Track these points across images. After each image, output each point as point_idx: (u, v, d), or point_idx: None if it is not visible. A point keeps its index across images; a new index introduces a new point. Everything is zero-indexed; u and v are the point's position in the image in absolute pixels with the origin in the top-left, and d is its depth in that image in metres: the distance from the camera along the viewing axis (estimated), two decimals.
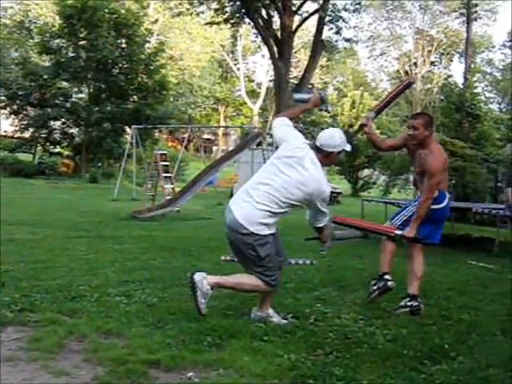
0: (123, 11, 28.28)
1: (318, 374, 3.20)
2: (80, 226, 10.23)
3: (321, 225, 4.32)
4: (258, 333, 3.91)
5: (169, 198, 14.30)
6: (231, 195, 23.80)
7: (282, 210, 4.07)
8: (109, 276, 5.74)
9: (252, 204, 4.01)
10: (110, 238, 8.85)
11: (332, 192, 4.76)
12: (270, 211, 4.00)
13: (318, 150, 4.18)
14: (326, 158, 4.18)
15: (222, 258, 7.16)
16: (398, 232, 4.80)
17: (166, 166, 15.61)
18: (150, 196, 15.23)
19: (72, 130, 30.07)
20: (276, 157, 4.26)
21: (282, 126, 4.37)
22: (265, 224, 4.02)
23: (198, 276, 4.07)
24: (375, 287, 4.99)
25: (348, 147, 4.26)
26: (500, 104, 49.37)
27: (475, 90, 22.16)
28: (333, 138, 4.21)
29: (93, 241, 8.45)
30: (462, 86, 22.56)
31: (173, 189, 15.34)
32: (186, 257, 7.33)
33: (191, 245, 8.48)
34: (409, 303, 4.74)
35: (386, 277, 4.95)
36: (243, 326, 4.04)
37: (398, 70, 48.60)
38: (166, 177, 15.28)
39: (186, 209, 14.29)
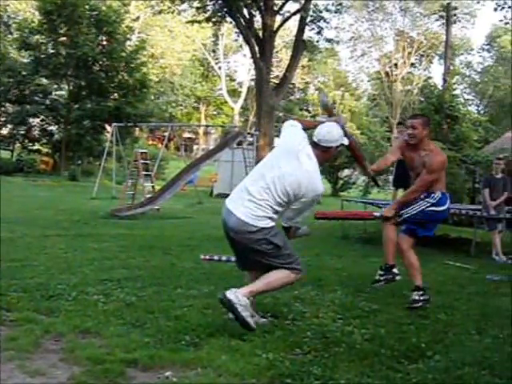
0: (104, 8, 28.05)
1: (295, 373, 3.21)
2: (59, 225, 10.14)
3: (293, 225, 4.24)
4: (236, 332, 3.91)
5: (149, 196, 14.23)
6: (211, 194, 23.81)
7: (280, 208, 3.99)
8: (87, 275, 5.69)
9: (252, 200, 3.93)
10: (89, 237, 8.79)
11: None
12: (270, 206, 3.92)
13: (315, 145, 4.08)
14: (323, 153, 4.08)
15: (202, 256, 7.17)
16: (377, 214, 5.11)
17: (146, 164, 15.54)
18: (130, 194, 15.14)
19: (51, 128, 29.77)
20: (272, 153, 4.25)
21: (289, 127, 4.30)
22: (269, 218, 3.95)
23: (230, 294, 3.87)
24: (382, 278, 5.20)
25: (346, 141, 4.18)
26: (478, 106, 49.94)
27: (454, 92, 22.35)
28: (331, 132, 4.10)
29: (71, 239, 8.38)
30: (441, 88, 22.76)
31: (153, 187, 15.28)
32: (166, 255, 7.31)
33: (171, 243, 8.46)
34: (422, 297, 4.98)
35: (395, 270, 5.19)
36: (222, 325, 4.04)
37: (378, 71, 48.89)
38: (146, 175, 15.20)
39: (165, 207, 14.24)
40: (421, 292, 5.03)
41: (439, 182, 5.15)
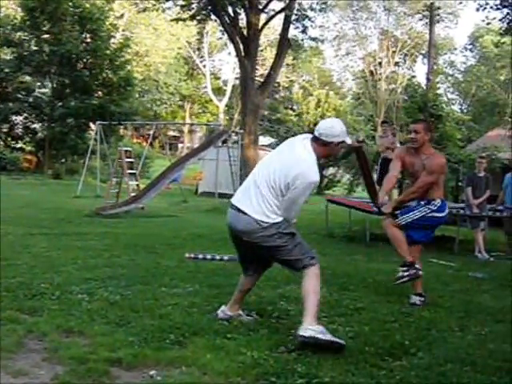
0: (88, 5, 27.80)
1: (280, 372, 3.22)
2: (42, 223, 10.07)
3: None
4: (221, 330, 3.92)
5: (133, 195, 14.18)
6: (196, 192, 23.76)
7: (282, 202, 3.87)
8: (71, 273, 5.67)
9: (259, 197, 3.88)
10: (73, 235, 8.75)
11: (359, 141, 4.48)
12: (274, 200, 3.86)
13: (316, 139, 3.95)
14: (323, 147, 3.94)
15: (187, 255, 7.17)
16: (375, 209, 5.29)
17: (131, 162, 15.48)
18: (115, 193, 15.07)
19: (35, 125, 29.45)
20: (274, 149, 4.28)
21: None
22: (276, 213, 3.87)
23: (304, 331, 3.62)
24: (406, 273, 5.25)
25: (348, 140, 4.06)
26: (461, 105, 50.33)
27: (438, 91, 22.59)
28: (333, 127, 3.97)
29: (55, 238, 8.34)
30: (425, 87, 22.94)
31: (137, 186, 15.23)
32: (150, 254, 7.29)
33: (155, 242, 8.44)
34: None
35: (417, 266, 5.28)
36: (206, 324, 4.04)
37: (363, 70, 49.02)
38: (130, 173, 15.15)
39: (150, 206, 14.18)
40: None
41: (438, 189, 5.34)
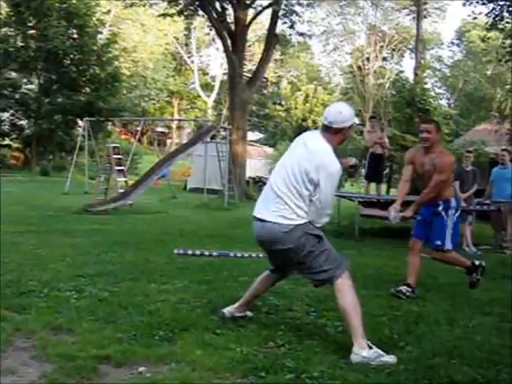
0: (74, 0, 27.63)
1: (269, 367, 3.22)
2: (30, 220, 10.01)
3: (320, 224, 3.84)
4: (210, 326, 3.91)
5: (122, 191, 14.13)
6: (185, 188, 23.73)
7: (303, 203, 3.72)
8: (59, 271, 5.64)
9: (278, 201, 3.72)
10: (62, 232, 8.71)
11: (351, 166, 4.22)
12: (295, 203, 3.70)
13: (327, 129, 3.80)
14: (336, 135, 3.80)
15: (175, 251, 7.16)
16: (395, 215, 5.45)
17: (119, 159, 15.42)
18: (103, 189, 15.01)
19: (21, 122, 29.29)
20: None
21: None
22: (298, 215, 3.70)
23: (356, 357, 3.44)
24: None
25: (356, 120, 3.97)
26: (449, 100, 50.58)
27: (425, 86, 22.63)
28: (342, 112, 3.81)
29: (43, 235, 8.29)
30: (412, 82, 23.01)
31: (126, 182, 15.17)
32: (139, 251, 7.27)
33: (144, 238, 8.43)
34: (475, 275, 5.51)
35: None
36: (196, 320, 4.04)
37: (351, 65, 49.12)
38: (118, 170, 15.09)
39: (139, 202, 14.14)
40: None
41: (449, 187, 5.51)
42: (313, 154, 3.72)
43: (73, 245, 7.47)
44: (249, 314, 4.19)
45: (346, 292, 3.66)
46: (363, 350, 3.45)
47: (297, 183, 3.70)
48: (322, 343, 3.72)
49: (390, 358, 3.45)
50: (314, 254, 3.72)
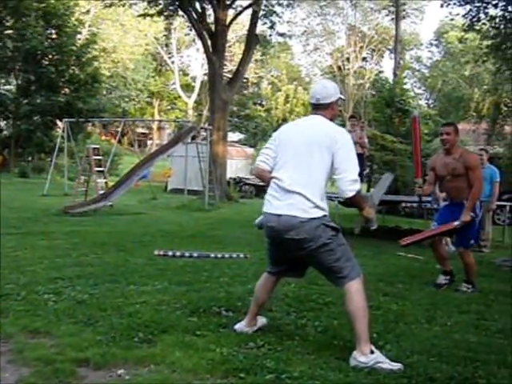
0: (52, 0, 27.37)
1: (249, 367, 3.22)
2: (9, 223, 9.87)
3: (353, 193, 3.56)
4: (190, 328, 3.91)
5: (102, 192, 14.04)
6: (165, 189, 23.62)
7: (323, 182, 3.61)
8: (38, 273, 5.59)
9: (295, 195, 3.58)
10: (40, 235, 8.62)
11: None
12: (313, 194, 3.57)
13: (317, 107, 3.79)
14: (327, 110, 3.77)
15: (156, 252, 7.13)
16: (457, 222, 5.61)
17: (99, 160, 15.32)
18: (83, 191, 14.90)
19: None
20: None
21: None
22: (317, 207, 3.58)
23: (356, 361, 3.40)
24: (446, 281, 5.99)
25: (342, 96, 4.00)
26: (428, 100, 50.98)
27: (404, 86, 22.81)
28: (326, 87, 3.82)
29: (22, 237, 8.20)
30: (392, 82, 23.18)
31: (106, 183, 15.08)
32: (119, 252, 7.24)
33: (124, 240, 8.38)
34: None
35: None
36: (175, 321, 4.03)
37: (331, 65, 49.32)
38: (98, 171, 15.00)
39: (119, 203, 14.05)
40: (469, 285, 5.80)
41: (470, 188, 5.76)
42: (320, 130, 3.66)
43: (52, 247, 7.40)
44: (260, 321, 4.03)
45: (355, 295, 3.57)
46: (362, 356, 3.41)
47: (316, 169, 3.59)
48: (302, 343, 3.73)
49: (392, 366, 3.36)
50: (329, 247, 3.58)
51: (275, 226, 3.63)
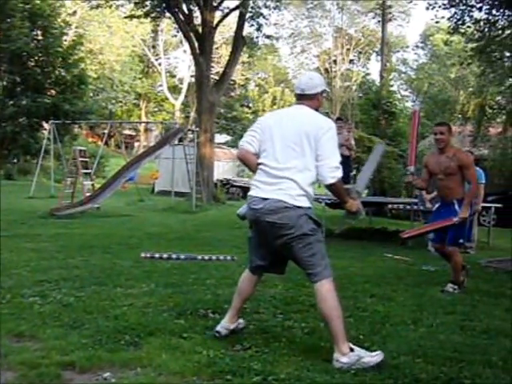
0: (38, 1, 27.19)
1: (236, 370, 3.21)
2: None
3: (335, 179, 3.57)
4: (176, 330, 3.89)
5: (88, 194, 13.98)
6: (153, 191, 23.56)
7: (313, 170, 3.59)
8: (23, 276, 5.55)
9: (284, 180, 3.56)
10: (26, 237, 8.57)
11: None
12: (303, 177, 3.57)
13: (301, 97, 3.80)
14: (311, 101, 3.78)
15: (142, 255, 7.12)
16: (456, 218, 5.67)
17: (86, 162, 15.27)
18: (69, 193, 14.83)
19: None
20: None
21: None
22: (305, 195, 3.57)
23: (337, 363, 3.39)
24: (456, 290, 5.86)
25: (327, 88, 4.00)
26: (414, 102, 51.25)
27: (391, 88, 22.97)
28: (312, 78, 3.85)
29: (7, 240, 8.13)
30: (378, 84, 23.30)
31: (92, 185, 15.03)
32: (106, 254, 7.21)
33: (111, 242, 8.35)
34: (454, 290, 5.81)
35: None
36: (162, 324, 4.02)
37: (318, 67, 49.44)
38: (85, 173, 14.94)
39: (106, 206, 14.00)
40: (455, 286, 5.82)
41: (462, 187, 5.85)
42: (308, 119, 3.68)
43: (37, 249, 7.35)
44: (241, 321, 4.01)
45: (327, 295, 3.55)
46: (343, 357, 3.40)
47: (301, 154, 3.59)
48: (289, 345, 3.73)
49: (372, 357, 3.39)
50: (307, 239, 3.55)
51: (259, 208, 3.59)
